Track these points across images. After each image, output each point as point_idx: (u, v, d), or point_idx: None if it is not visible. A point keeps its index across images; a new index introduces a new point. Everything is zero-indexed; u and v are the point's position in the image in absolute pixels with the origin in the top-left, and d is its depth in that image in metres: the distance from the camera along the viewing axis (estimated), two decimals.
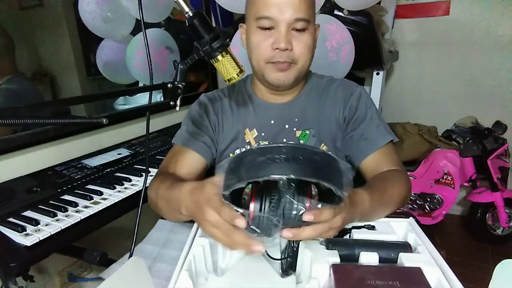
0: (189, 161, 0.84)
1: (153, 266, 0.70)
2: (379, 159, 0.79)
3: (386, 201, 0.68)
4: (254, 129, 0.87)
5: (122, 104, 1.83)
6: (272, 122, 0.86)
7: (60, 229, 0.85)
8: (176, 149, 0.87)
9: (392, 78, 2.57)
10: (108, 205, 0.98)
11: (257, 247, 0.45)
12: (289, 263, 0.59)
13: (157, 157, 1.35)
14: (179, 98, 0.61)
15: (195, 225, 0.67)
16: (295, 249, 0.58)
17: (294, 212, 0.46)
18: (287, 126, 0.85)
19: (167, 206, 0.69)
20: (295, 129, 0.85)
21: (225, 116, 0.89)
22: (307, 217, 0.46)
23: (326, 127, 0.84)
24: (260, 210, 0.45)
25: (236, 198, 0.49)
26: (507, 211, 2.07)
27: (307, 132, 0.84)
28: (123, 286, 0.46)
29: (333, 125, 0.84)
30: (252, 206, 0.46)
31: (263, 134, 0.86)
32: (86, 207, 0.95)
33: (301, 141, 0.84)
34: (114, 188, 1.06)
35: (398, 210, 2.37)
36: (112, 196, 1.02)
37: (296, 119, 0.85)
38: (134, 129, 1.53)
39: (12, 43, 1.34)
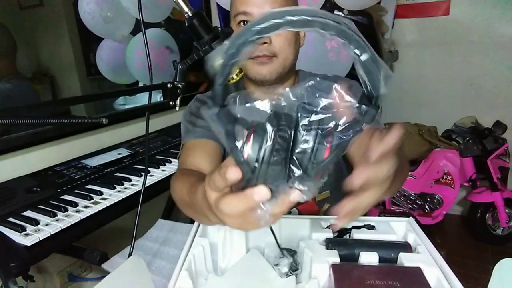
0: (210, 151, 0.76)
1: (153, 262, 0.70)
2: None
3: (402, 170, 0.55)
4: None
5: (122, 104, 1.83)
6: None
7: (60, 229, 0.85)
8: (190, 145, 0.79)
9: (392, 78, 2.57)
10: (108, 205, 0.98)
11: (259, 192, 0.32)
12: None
13: (157, 157, 1.35)
14: (178, 98, 0.61)
15: (195, 224, 0.67)
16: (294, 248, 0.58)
17: (307, 160, 0.32)
18: None
19: (193, 214, 0.60)
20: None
21: None
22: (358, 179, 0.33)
23: None
24: (260, 150, 0.31)
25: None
26: (507, 211, 2.06)
27: None
28: (122, 285, 0.46)
29: None
30: (248, 145, 0.32)
31: None
32: (86, 207, 0.95)
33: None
34: (114, 188, 1.07)
35: (397, 210, 2.36)
36: (112, 196, 1.02)
37: None
38: (134, 129, 1.53)
39: (14, 45, 1.34)
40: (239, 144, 0.32)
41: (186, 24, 0.60)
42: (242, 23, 0.75)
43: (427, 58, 2.43)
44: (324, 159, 0.32)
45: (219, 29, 0.61)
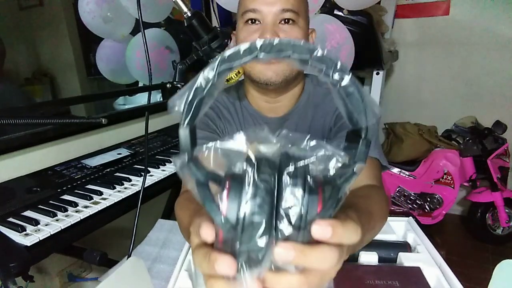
0: None
1: (153, 267, 0.70)
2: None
3: (372, 226, 0.52)
4: (255, 142, 0.79)
5: (122, 104, 1.83)
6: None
7: (60, 229, 0.85)
8: None
9: (392, 78, 2.57)
10: (108, 205, 0.98)
11: (221, 264, 0.26)
12: None
13: (157, 157, 1.35)
14: None
15: None
16: None
17: (297, 216, 0.26)
18: None
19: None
20: (289, 145, 0.78)
21: (228, 124, 0.82)
22: (322, 230, 0.26)
23: None
24: (239, 209, 0.26)
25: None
26: (507, 211, 2.06)
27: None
28: (121, 287, 0.46)
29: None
30: (224, 200, 0.27)
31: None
32: (86, 207, 0.95)
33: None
34: (114, 188, 1.07)
35: (397, 210, 2.35)
36: (112, 196, 1.02)
37: (290, 134, 0.79)
38: (134, 129, 1.53)
39: (4, 51, 1.33)
40: (213, 196, 0.27)
41: (186, 24, 0.60)
42: (250, 21, 0.70)
43: (427, 58, 2.43)
44: (318, 214, 0.26)
45: (219, 29, 0.61)
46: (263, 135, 0.30)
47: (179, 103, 0.28)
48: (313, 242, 0.27)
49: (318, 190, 0.27)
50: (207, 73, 0.27)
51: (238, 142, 0.29)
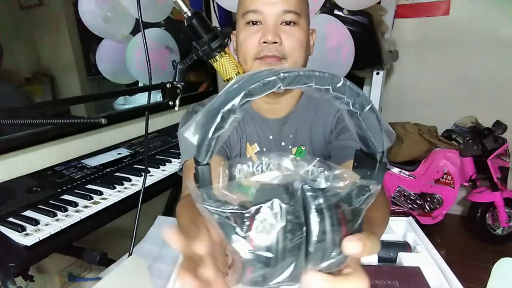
0: (213, 167, 0.70)
1: (153, 266, 0.70)
2: None
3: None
4: (256, 144, 0.81)
5: (122, 104, 1.83)
6: (271, 137, 0.81)
7: (60, 229, 0.85)
8: (191, 164, 0.73)
9: (392, 78, 2.57)
10: (108, 205, 0.98)
11: None
12: None
13: (157, 157, 1.35)
14: (178, 98, 0.61)
15: None
16: None
17: (327, 248, 0.26)
18: (283, 144, 0.80)
19: None
20: (290, 146, 0.80)
21: None
22: (352, 245, 0.27)
23: (317, 144, 0.79)
24: (270, 248, 0.25)
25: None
26: (507, 211, 2.07)
27: (303, 148, 0.80)
28: (121, 285, 0.46)
29: (322, 143, 0.79)
30: (253, 237, 0.25)
31: (264, 149, 0.81)
32: (86, 207, 0.95)
33: (298, 158, 0.76)
34: (114, 188, 1.07)
35: (397, 210, 2.34)
36: (112, 196, 1.02)
37: (291, 136, 0.80)
38: (134, 129, 1.53)
39: (1, 52, 1.33)
40: (240, 230, 0.25)
41: (186, 24, 0.60)
42: (251, 23, 0.70)
43: (427, 57, 2.44)
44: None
45: (219, 29, 0.61)
46: (287, 161, 0.31)
47: (194, 135, 0.27)
48: (340, 269, 0.28)
49: (341, 221, 0.26)
50: (229, 107, 0.26)
51: (265, 176, 0.29)
